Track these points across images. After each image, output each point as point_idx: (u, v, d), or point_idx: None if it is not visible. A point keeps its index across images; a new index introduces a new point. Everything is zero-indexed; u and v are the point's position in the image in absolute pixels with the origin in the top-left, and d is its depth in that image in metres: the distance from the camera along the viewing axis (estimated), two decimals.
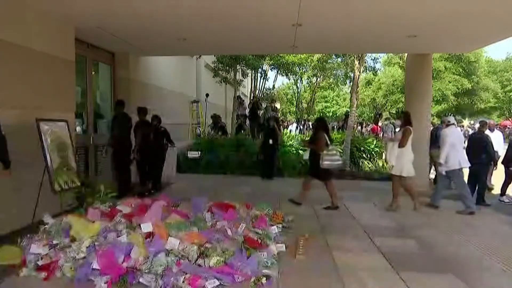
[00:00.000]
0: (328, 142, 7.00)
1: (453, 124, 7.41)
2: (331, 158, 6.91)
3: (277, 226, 5.41)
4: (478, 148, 7.83)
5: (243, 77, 18.68)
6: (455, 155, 7.10)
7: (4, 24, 5.13)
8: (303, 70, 22.02)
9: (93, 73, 8.30)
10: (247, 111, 15.96)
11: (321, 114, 36.93)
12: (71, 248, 4.00)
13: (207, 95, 16.09)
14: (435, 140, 9.57)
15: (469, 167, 7.44)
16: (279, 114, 17.11)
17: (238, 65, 15.89)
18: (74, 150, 6.04)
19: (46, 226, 4.52)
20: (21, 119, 5.35)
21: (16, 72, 5.34)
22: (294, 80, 24.21)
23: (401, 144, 6.93)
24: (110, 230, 4.36)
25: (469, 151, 7.83)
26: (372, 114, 31.26)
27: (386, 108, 27.77)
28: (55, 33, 6.17)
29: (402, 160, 6.97)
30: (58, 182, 5.37)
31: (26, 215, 5.19)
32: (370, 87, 29.93)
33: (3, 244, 4.39)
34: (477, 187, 7.98)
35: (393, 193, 7.21)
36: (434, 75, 20.56)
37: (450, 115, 8.75)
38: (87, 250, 3.96)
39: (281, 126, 15.99)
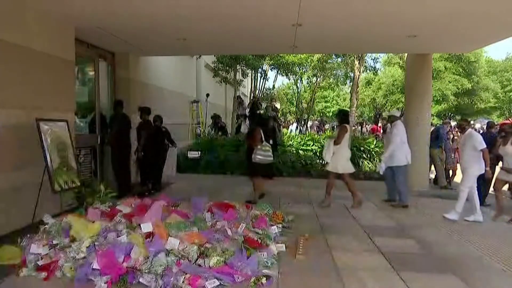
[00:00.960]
0: (263, 138, 7.25)
1: (399, 119, 7.48)
2: (264, 154, 7.21)
3: (277, 226, 5.41)
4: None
5: (243, 77, 18.68)
6: (403, 151, 7.19)
7: (4, 24, 5.13)
8: (303, 70, 21.99)
9: (98, 72, 8.29)
10: (247, 111, 15.94)
11: (321, 114, 36.93)
12: (71, 248, 3.99)
13: (207, 95, 16.10)
14: (436, 140, 9.59)
15: None
16: (279, 114, 17.07)
17: (238, 65, 15.90)
18: (74, 150, 6.04)
19: (46, 226, 4.51)
20: (21, 119, 5.36)
21: (16, 72, 5.35)
22: (294, 80, 24.16)
23: (336, 142, 7.05)
24: (110, 230, 4.35)
25: None
26: (372, 114, 31.25)
27: (386, 108, 27.75)
28: (55, 33, 6.17)
29: (337, 157, 7.08)
30: (58, 182, 5.37)
31: (26, 215, 5.20)
32: (370, 87, 29.88)
33: (3, 244, 4.39)
34: (480, 187, 7.99)
35: (327, 190, 7.30)
36: (434, 75, 20.53)
37: (398, 109, 8.72)
38: (87, 250, 3.95)
39: (281, 126, 15.97)
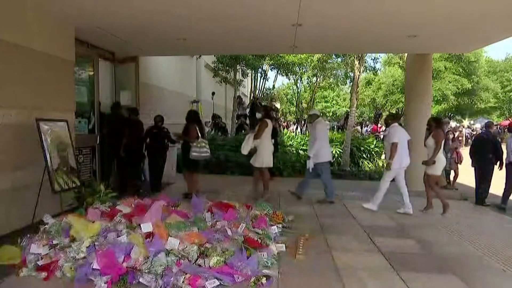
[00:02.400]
0: (199, 134, 7.32)
1: (320, 117, 7.75)
2: (200, 150, 7.26)
3: (277, 226, 5.41)
4: (486, 148, 7.88)
5: (243, 77, 18.67)
6: (326, 149, 7.48)
7: (4, 24, 5.13)
8: (303, 70, 21.95)
9: (98, 72, 8.29)
10: (247, 111, 15.97)
11: (321, 114, 36.88)
12: (71, 248, 3.99)
13: (213, 93, 15.98)
14: None
15: (476, 167, 7.49)
16: (279, 114, 17.06)
17: (238, 65, 15.89)
18: (74, 150, 6.03)
19: (46, 226, 4.51)
20: (21, 118, 5.36)
21: (16, 72, 5.34)
22: (294, 80, 24.11)
23: (256, 136, 7.27)
24: (110, 230, 4.34)
25: (476, 150, 7.91)
26: (372, 114, 31.22)
27: (386, 108, 27.72)
28: (55, 33, 6.16)
29: (261, 151, 7.32)
30: (58, 182, 5.36)
31: (26, 215, 5.19)
32: (370, 87, 29.83)
33: (3, 244, 4.38)
34: (476, 187, 8.03)
35: (264, 185, 7.54)
36: (434, 75, 20.53)
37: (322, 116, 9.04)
38: (87, 250, 3.95)
39: (281, 126, 15.97)
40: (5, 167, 5.10)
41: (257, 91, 20.98)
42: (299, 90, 25.44)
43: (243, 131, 14.68)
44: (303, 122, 24.56)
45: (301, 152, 12.08)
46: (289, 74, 20.91)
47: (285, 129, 19.07)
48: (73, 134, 6.25)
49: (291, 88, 29.99)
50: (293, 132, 17.72)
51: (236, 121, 15.59)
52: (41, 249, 4.09)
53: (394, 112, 25.17)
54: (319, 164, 7.39)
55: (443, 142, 7.10)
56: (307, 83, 25.91)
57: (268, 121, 7.37)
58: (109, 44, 8.28)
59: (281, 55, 17.44)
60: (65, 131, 5.76)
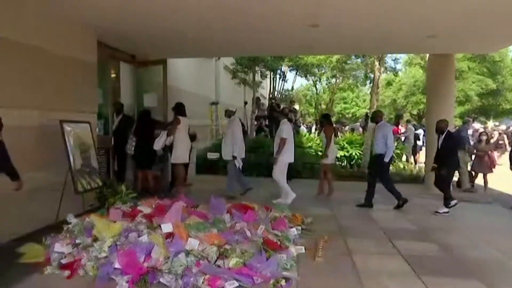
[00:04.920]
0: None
1: (234, 113, 8.15)
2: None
3: (296, 228, 5.39)
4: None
5: (262, 78, 18.64)
6: (234, 146, 7.76)
7: (28, 29, 5.27)
8: (322, 71, 21.82)
9: (114, 75, 8.43)
10: (266, 113, 15.95)
11: (340, 116, 36.57)
12: (94, 247, 4.06)
13: (245, 103, 16.12)
14: (458, 142, 9.38)
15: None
16: (298, 116, 16.92)
17: (256, 66, 15.88)
18: (96, 151, 6.14)
19: (69, 225, 4.61)
20: (44, 120, 5.46)
21: (39, 74, 5.47)
22: (313, 81, 23.99)
23: (169, 133, 7.45)
24: (131, 230, 4.40)
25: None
26: (393, 116, 30.81)
27: (407, 109, 27.27)
28: (76, 35, 6.30)
29: (177, 147, 7.48)
30: (81, 182, 5.46)
31: (50, 214, 5.30)
32: (390, 88, 29.45)
33: (28, 242, 4.46)
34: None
35: (182, 182, 7.82)
36: (457, 76, 20.13)
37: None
38: (109, 250, 4.01)
39: (300, 128, 15.88)
40: (29, 167, 5.09)
41: (275, 93, 20.94)
42: (318, 91, 25.28)
43: (262, 132, 14.69)
44: (320, 123, 24.31)
45: (320, 153, 11.99)
46: (308, 75, 20.83)
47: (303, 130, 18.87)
48: (95, 136, 6.35)
49: (310, 89, 29.82)
50: (312, 133, 17.56)
51: (255, 123, 15.57)
52: (65, 248, 4.17)
53: (415, 113, 24.70)
54: (227, 161, 7.88)
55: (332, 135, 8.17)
56: (326, 84, 25.73)
57: (181, 118, 7.52)
58: (130, 46, 8.40)
59: (300, 56, 17.37)
60: (87, 133, 5.87)
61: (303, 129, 17.93)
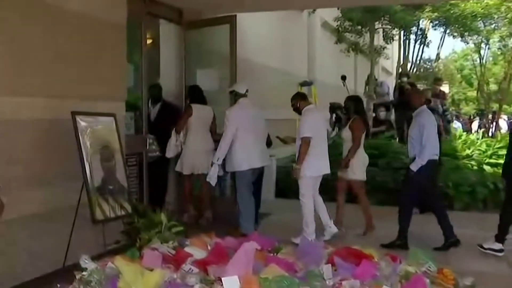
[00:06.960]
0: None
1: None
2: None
3: None
4: None
5: (386, 42, 13.08)
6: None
7: None
8: (492, 26, 16.31)
9: (151, 41, 6.48)
10: (391, 97, 11.31)
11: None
12: None
13: (343, 77, 10.98)
14: None
15: None
16: (447, 103, 12.46)
17: (377, 22, 11.25)
18: (124, 158, 4.53)
19: (83, 273, 3.14)
20: (47, 112, 4.09)
21: (41, 43, 4.03)
22: (475, 44, 17.75)
23: (177, 129, 6.35)
24: (177, 283, 3.16)
25: None
26: None
27: None
28: None
29: (186, 151, 6.36)
30: (101, 207, 4.01)
31: (55, 254, 4.01)
32: None
33: None
34: None
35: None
36: None
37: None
38: None
39: (451, 123, 11.67)
40: (25, 184, 3.83)
41: (408, 65, 15.65)
42: (485, 61, 19.07)
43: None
44: (490, 116, 17.22)
45: (487, 168, 8.20)
46: (465, 34, 15.85)
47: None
48: (123, 135, 4.80)
49: (469, 59, 22.90)
50: (474, 133, 12.32)
51: (373, 113, 11.11)
52: None
53: None
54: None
55: None
56: (499, 48, 18.90)
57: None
58: None
59: (452, 1, 13.04)
60: (111, 131, 4.31)
61: (458, 125, 13.38)
